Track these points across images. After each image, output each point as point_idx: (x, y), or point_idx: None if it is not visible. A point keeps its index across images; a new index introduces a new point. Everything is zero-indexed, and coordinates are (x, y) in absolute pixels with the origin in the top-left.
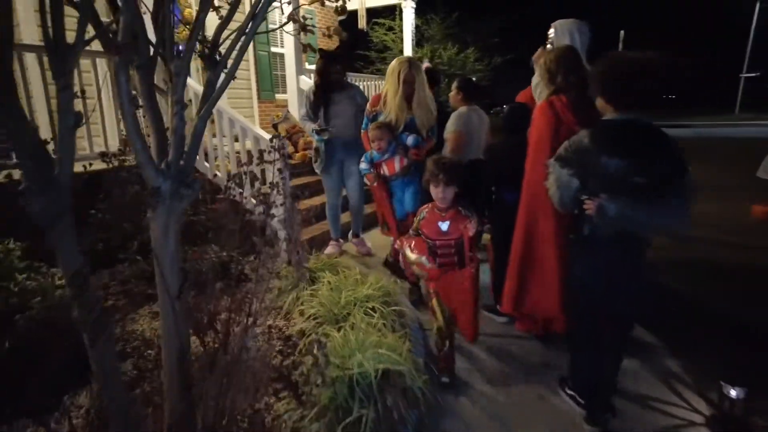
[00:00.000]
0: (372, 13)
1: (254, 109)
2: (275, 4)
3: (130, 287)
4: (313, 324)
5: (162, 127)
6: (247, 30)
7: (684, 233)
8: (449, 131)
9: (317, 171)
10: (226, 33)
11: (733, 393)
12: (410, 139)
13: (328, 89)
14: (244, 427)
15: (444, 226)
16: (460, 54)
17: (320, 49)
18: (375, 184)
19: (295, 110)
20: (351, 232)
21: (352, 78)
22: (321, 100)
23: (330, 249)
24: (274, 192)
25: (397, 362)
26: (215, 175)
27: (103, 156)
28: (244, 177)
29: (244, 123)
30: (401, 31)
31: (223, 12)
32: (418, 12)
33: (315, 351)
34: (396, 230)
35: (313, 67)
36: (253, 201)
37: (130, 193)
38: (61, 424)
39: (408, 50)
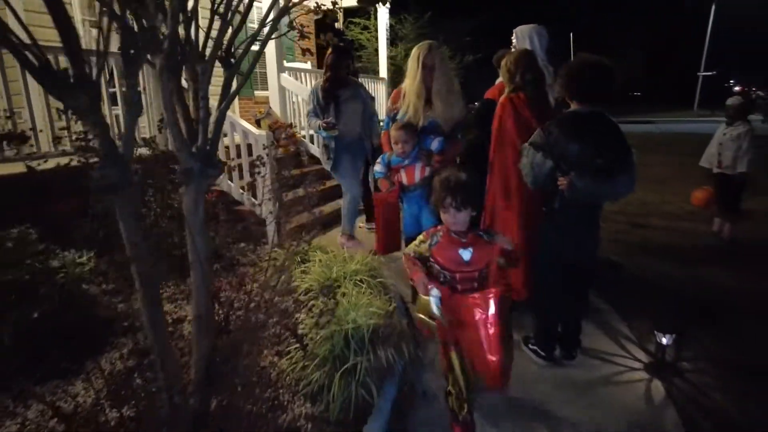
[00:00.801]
0: (348, 12)
1: (235, 106)
2: (258, 5)
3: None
4: (308, 296)
5: (189, 117)
6: (259, 37)
7: (627, 196)
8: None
9: (327, 169)
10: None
11: (664, 340)
12: (435, 143)
13: (338, 85)
14: (254, 380)
15: (466, 254)
16: None
17: (333, 44)
18: (390, 191)
19: (276, 107)
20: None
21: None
22: (331, 96)
23: (350, 244)
24: (260, 183)
25: (388, 321)
26: None
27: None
28: (233, 170)
29: (234, 118)
30: (376, 30)
31: (233, 22)
32: (392, 12)
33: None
34: (385, 250)
35: (293, 65)
36: (242, 192)
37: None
38: (89, 384)
39: (383, 49)
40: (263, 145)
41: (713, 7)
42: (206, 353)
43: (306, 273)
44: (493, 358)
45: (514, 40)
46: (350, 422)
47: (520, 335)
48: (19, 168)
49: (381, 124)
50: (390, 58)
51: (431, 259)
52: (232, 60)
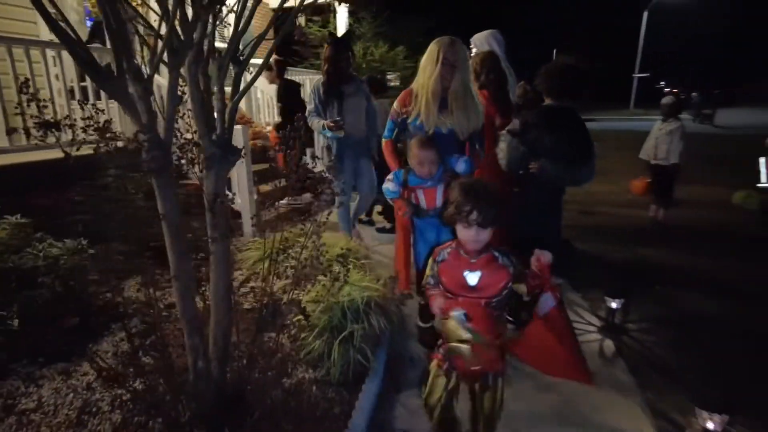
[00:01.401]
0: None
1: None
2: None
3: None
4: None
5: (208, 109)
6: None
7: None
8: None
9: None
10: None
11: (613, 305)
12: (461, 164)
13: (339, 80)
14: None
15: (472, 278)
16: (391, 52)
17: (330, 35)
18: (406, 215)
19: (241, 103)
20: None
21: (290, 71)
22: (334, 92)
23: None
24: (236, 176)
25: (377, 292)
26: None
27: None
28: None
29: None
30: (335, 29)
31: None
32: (351, 11)
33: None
34: (407, 282)
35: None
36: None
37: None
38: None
39: None
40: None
41: (645, 14)
42: (225, 326)
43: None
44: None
45: (473, 48)
46: (350, 383)
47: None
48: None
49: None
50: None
51: (440, 278)
52: (241, 58)
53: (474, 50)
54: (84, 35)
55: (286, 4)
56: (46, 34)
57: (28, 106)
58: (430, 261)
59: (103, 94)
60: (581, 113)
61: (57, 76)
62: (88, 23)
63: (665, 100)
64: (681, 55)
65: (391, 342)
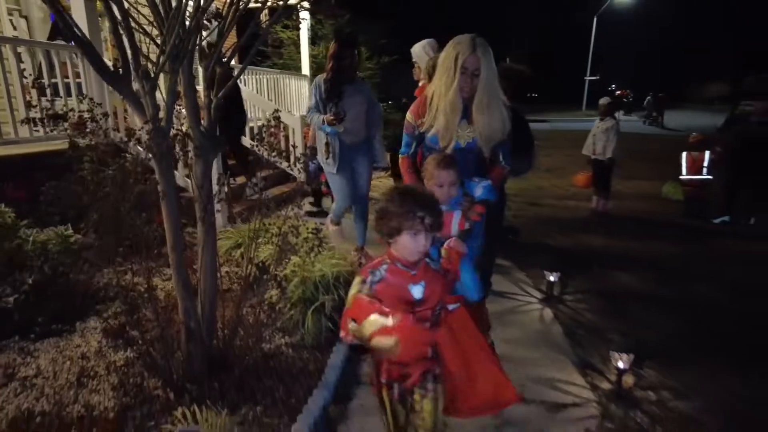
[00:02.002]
0: (271, 11)
1: None
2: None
3: None
4: (267, 264)
5: (196, 105)
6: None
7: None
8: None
9: (326, 168)
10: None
11: (551, 278)
12: (480, 189)
13: (342, 79)
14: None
15: (417, 290)
16: None
17: (336, 32)
18: None
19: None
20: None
21: (251, 71)
22: (335, 90)
23: (334, 230)
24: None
25: (345, 267)
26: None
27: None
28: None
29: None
30: (297, 28)
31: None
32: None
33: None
34: None
35: None
36: (186, 179)
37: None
38: (84, 338)
39: (305, 46)
40: None
41: (595, 20)
42: (212, 294)
43: (264, 244)
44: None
45: (414, 59)
46: (323, 347)
47: None
48: None
49: (384, 141)
50: (312, 56)
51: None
52: (223, 59)
53: (414, 59)
54: (47, 33)
55: (251, 5)
56: (10, 30)
57: (39, 100)
58: (357, 284)
59: (73, 90)
60: (537, 114)
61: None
62: (52, 20)
63: (602, 101)
64: (629, 59)
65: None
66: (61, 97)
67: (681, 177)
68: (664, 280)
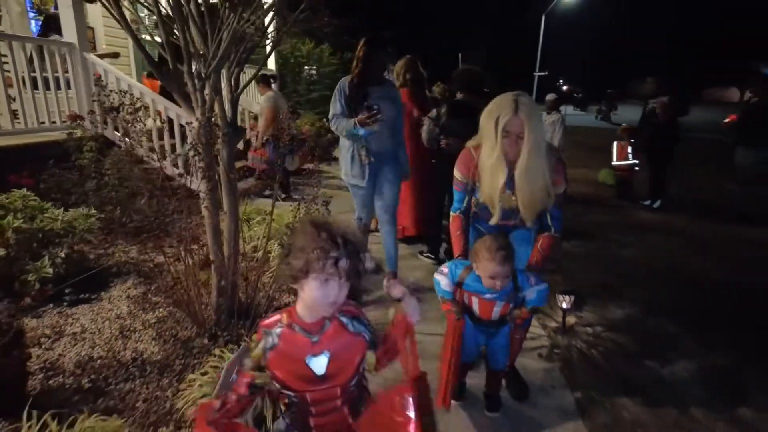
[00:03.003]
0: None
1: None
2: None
3: None
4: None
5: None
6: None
7: None
8: (264, 106)
9: (353, 182)
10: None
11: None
12: (534, 294)
13: (368, 82)
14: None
15: (318, 363)
16: (317, 48)
17: (366, 34)
18: (457, 319)
19: None
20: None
21: None
22: (360, 94)
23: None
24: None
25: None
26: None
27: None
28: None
29: (166, 102)
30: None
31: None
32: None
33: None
34: (448, 398)
35: None
36: (175, 168)
37: None
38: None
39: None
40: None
41: (543, 18)
42: (235, 258)
43: (250, 228)
44: None
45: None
46: None
47: (416, 251)
48: None
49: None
50: (277, 51)
51: (269, 374)
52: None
53: None
54: (26, 27)
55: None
56: None
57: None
58: (253, 341)
59: (63, 84)
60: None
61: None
62: (30, 15)
63: (549, 96)
64: (576, 56)
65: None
66: (55, 90)
67: (613, 163)
68: (599, 247)
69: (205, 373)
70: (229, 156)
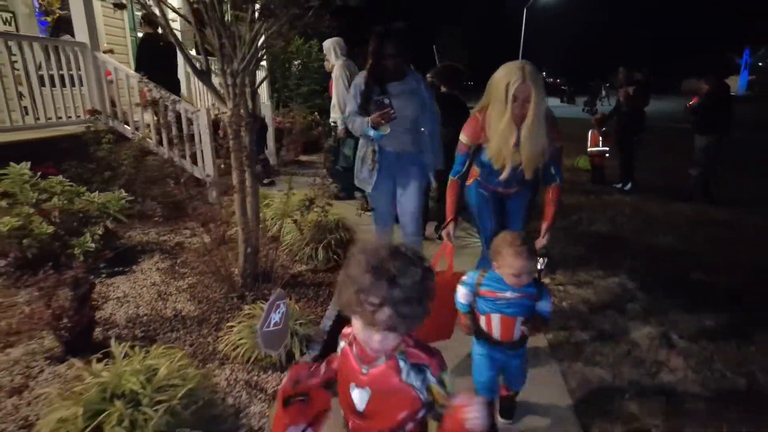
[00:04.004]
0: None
1: None
2: None
3: None
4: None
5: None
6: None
7: None
8: None
9: (361, 185)
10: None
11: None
12: (545, 305)
13: (383, 77)
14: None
15: (358, 397)
16: (306, 45)
17: (373, 26)
18: (466, 333)
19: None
20: None
21: None
22: (372, 91)
23: None
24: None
25: (343, 215)
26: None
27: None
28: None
29: (174, 96)
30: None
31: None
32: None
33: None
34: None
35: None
36: (182, 158)
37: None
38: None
39: None
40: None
41: (525, 13)
42: (256, 231)
43: (268, 206)
44: None
45: (324, 52)
46: (330, 270)
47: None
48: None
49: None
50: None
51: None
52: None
53: (325, 52)
54: (33, 27)
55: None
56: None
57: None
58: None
59: (76, 81)
60: (475, 102)
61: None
62: (37, 16)
63: None
64: (558, 49)
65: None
66: (65, 87)
67: (588, 150)
68: (567, 222)
69: (239, 323)
70: (251, 141)
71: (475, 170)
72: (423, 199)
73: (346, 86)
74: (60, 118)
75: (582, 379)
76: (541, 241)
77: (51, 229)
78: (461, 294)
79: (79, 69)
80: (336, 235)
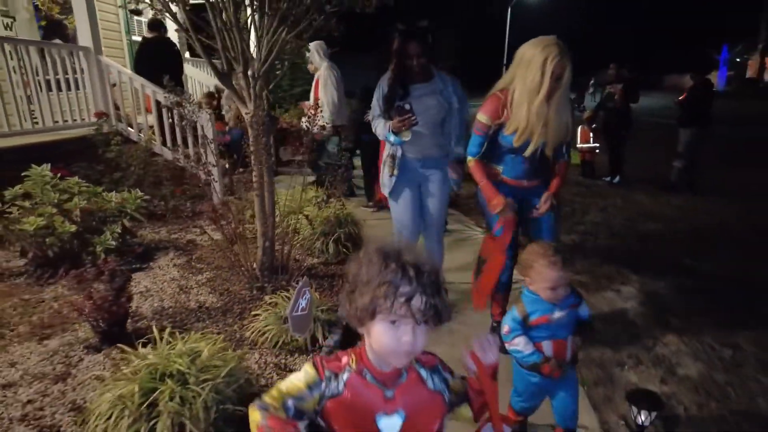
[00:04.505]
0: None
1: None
2: None
3: None
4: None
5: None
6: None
7: None
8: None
9: (385, 192)
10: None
11: None
12: (583, 308)
13: (407, 79)
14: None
15: (390, 425)
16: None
17: (397, 25)
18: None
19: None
20: None
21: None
22: (395, 92)
23: None
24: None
25: (352, 212)
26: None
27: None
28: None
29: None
30: None
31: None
32: None
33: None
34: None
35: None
36: (186, 159)
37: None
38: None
39: None
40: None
41: (509, 12)
42: (271, 224)
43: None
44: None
45: (308, 55)
46: (340, 262)
47: None
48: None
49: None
50: None
51: (320, 422)
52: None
53: (308, 55)
54: (34, 32)
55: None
56: (1, 30)
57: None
58: (304, 374)
59: (81, 84)
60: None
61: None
62: (37, 20)
63: None
64: None
65: (359, 240)
66: (70, 91)
67: (577, 146)
68: (561, 213)
69: (265, 311)
70: (267, 140)
71: (496, 170)
72: (446, 207)
73: (334, 86)
74: (66, 121)
75: (585, 355)
76: (544, 207)
77: (73, 227)
78: (521, 344)
79: (83, 73)
80: (345, 229)
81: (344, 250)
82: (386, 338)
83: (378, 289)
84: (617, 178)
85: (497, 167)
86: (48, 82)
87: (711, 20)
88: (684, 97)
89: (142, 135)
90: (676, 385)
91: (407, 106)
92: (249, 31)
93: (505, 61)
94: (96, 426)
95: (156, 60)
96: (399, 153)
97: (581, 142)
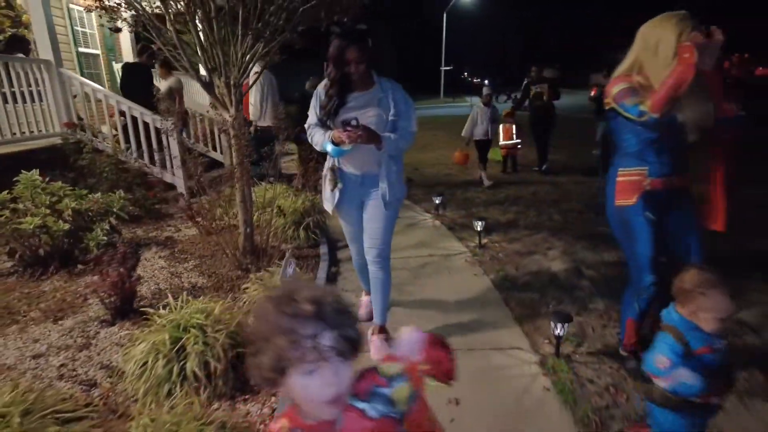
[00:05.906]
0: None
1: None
2: None
3: None
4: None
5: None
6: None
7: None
8: (177, 88)
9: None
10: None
11: (437, 201)
12: (706, 346)
13: (345, 87)
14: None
15: None
16: None
17: (332, 27)
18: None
19: None
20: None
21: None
22: (333, 102)
23: (362, 311)
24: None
25: (319, 202)
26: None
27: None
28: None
29: (141, 108)
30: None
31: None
32: None
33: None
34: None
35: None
36: (150, 164)
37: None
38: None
39: None
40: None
41: (445, 15)
42: (250, 214)
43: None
44: None
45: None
46: (311, 246)
47: None
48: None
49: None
50: None
51: None
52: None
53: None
54: None
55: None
56: None
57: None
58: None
59: (28, 96)
60: None
61: None
62: None
63: (485, 91)
64: (476, 48)
65: (327, 228)
66: (35, 102)
67: (500, 143)
68: (497, 196)
69: (253, 284)
70: (255, 145)
71: (637, 179)
72: (390, 229)
73: (260, 90)
74: (32, 132)
75: (518, 300)
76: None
77: (67, 226)
78: (688, 376)
79: (44, 84)
80: (313, 218)
81: (313, 236)
82: (308, 392)
83: (279, 340)
84: (545, 166)
85: (639, 169)
86: (13, 94)
87: (623, 25)
88: (595, 92)
89: (107, 144)
90: (587, 316)
91: (354, 122)
92: (230, 47)
93: (443, 65)
94: (134, 370)
95: (137, 82)
96: (338, 165)
97: (504, 139)
